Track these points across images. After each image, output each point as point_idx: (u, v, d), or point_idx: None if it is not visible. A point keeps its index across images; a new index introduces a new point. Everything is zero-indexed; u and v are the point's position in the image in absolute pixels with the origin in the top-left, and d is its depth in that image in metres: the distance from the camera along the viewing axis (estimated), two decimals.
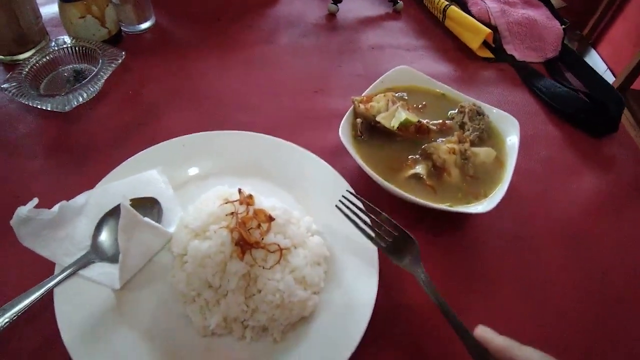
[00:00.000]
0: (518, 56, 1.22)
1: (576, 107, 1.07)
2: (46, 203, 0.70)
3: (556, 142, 1.03)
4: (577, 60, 1.24)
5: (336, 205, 0.73)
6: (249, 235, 0.65)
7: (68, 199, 0.75)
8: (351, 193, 0.74)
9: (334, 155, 0.86)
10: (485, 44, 1.21)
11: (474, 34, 1.19)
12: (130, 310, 0.67)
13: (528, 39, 1.25)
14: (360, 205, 0.72)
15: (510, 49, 1.23)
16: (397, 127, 0.81)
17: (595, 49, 2.95)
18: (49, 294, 0.65)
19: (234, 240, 0.65)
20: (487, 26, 1.20)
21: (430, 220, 0.82)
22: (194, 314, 0.65)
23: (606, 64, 2.84)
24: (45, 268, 0.69)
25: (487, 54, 1.21)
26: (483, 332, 0.56)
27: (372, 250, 0.72)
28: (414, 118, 0.82)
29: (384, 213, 0.70)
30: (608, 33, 2.88)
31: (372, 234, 0.69)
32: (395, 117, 0.81)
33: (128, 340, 0.64)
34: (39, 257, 0.69)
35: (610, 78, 2.70)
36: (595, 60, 2.90)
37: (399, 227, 0.68)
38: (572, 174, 0.97)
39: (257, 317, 0.65)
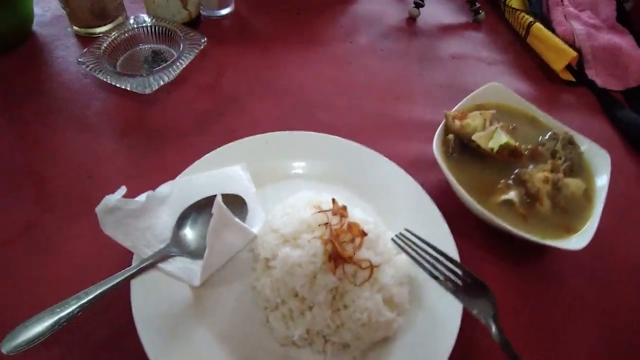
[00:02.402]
0: (599, 82, 1.17)
1: None
2: (119, 185, 0.67)
3: (634, 177, 0.99)
4: None
5: (393, 239, 0.65)
6: (343, 249, 0.62)
7: (143, 183, 0.73)
8: (414, 234, 0.65)
9: (414, 167, 0.83)
10: (567, 66, 1.17)
11: (558, 55, 1.15)
12: (207, 308, 0.66)
13: (611, 66, 1.20)
14: (423, 245, 0.64)
15: (592, 74, 1.18)
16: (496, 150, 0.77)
17: None
18: (126, 285, 0.63)
19: (327, 253, 0.62)
20: (570, 48, 1.15)
21: (508, 247, 0.79)
22: (277, 322, 0.63)
23: None
24: (122, 255, 0.68)
25: (569, 76, 1.17)
26: None
27: None
28: (512, 142, 0.78)
29: (452, 258, 0.62)
30: None
31: (440, 276, 0.61)
32: (494, 138, 0.77)
33: (204, 338, 0.63)
34: (114, 243, 0.67)
35: None
36: None
37: (472, 274, 0.59)
38: None
39: (341, 333, 0.62)
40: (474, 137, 0.79)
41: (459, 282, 0.57)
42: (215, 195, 0.64)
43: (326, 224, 0.64)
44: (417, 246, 0.61)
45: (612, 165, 0.84)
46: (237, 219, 0.67)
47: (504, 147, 0.77)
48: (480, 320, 0.58)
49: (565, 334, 0.72)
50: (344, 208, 0.66)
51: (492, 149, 0.78)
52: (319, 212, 0.66)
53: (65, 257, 0.72)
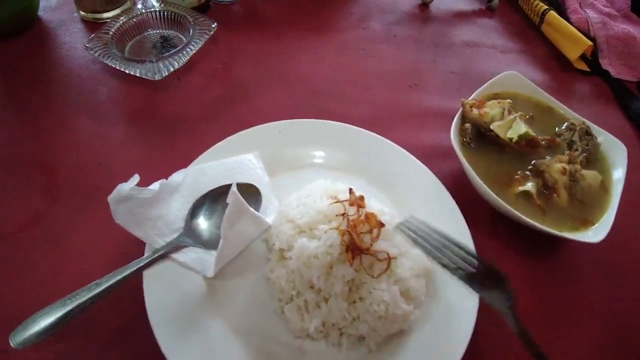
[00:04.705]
0: (613, 72, 1.15)
1: None
2: (130, 173, 0.66)
3: None
4: None
5: (397, 226, 0.60)
6: (361, 240, 0.61)
7: (154, 171, 0.72)
8: (420, 221, 0.60)
9: (428, 157, 0.82)
10: (582, 55, 1.15)
11: (573, 44, 1.13)
12: (221, 300, 0.65)
13: (625, 56, 1.18)
14: (430, 232, 0.58)
15: (605, 64, 1.16)
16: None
17: None
18: (138, 276, 0.62)
19: (344, 244, 0.61)
20: (585, 37, 1.13)
21: (523, 239, 0.78)
22: (292, 313, 0.62)
23: None
24: (134, 245, 0.66)
25: (583, 66, 1.15)
26: None
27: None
28: (531, 132, 0.77)
29: (460, 243, 0.57)
30: None
31: (450, 264, 0.55)
32: (513, 128, 0.76)
33: (217, 330, 0.62)
34: (126, 233, 0.66)
35: None
36: None
37: (485, 262, 0.54)
38: None
39: (357, 325, 0.62)
40: (492, 127, 0.77)
41: (472, 269, 0.53)
42: (229, 185, 0.63)
43: (343, 214, 0.63)
44: (424, 232, 0.57)
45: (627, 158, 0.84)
46: (252, 209, 0.65)
47: (522, 137, 0.76)
48: (497, 310, 0.54)
49: (578, 327, 0.72)
50: (362, 198, 0.65)
51: (511, 139, 0.76)
52: (336, 202, 0.65)
53: (75, 248, 0.71)
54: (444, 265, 0.55)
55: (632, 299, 0.76)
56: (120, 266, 0.62)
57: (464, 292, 0.65)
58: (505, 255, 0.77)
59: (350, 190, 0.66)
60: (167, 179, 0.69)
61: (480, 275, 0.54)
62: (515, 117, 0.77)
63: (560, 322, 0.72)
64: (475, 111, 0.79)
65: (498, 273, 0.54)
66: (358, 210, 0.64)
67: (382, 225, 0.63)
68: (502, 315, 0.53)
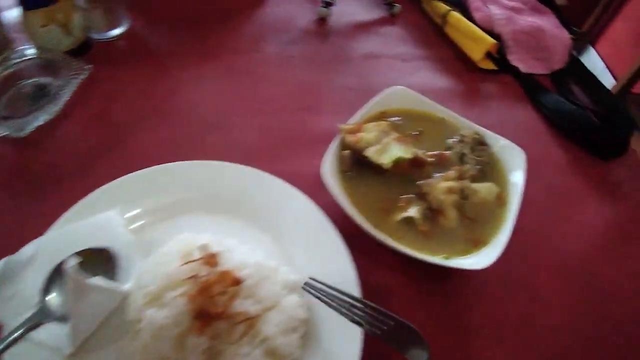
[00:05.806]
0: (523, 68, 1.12)
1: (582, 127, 0.98)
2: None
3: (560, 166, 0.95)
4: (585, 73, 1.15)
5: (303, 287, 0.60)
6: (212, 304, 0.56)
7: (23, 236, 0.67)
8: (321, 282, 0.60)
9: (321, 187, 0.76)
10: (488, 54, 1.11)
11: (476, 44, 1.09)
12: None
13: (534, 50, 1.15)
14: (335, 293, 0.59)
15: (514, 60, 1.12)
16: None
17: (593, 47, 2.83)
18: None
19: (194, 311, 0.56)
20: (490, 34, 1.10)
21: (417, 265, 0.73)
22: None
23: (605, 63, 2.72)
24: None
25: (490, 65, 1.11)
26: None
27: None
28: (407, 153, 0.72)
29: (369, 302, 0.57)
30: (607, 32, 2.75)
31: (362, 322, 0.56)
32: (386, 152, 0.71)
33: None
34: None
35: (608, 77, 2.59)
36: (594, 59, 2.77)
37: (394, 316, 0.55)
38: (578, 202, 0.89)
39: None
40: (366, 153, 0.73)
41: (383, 326, 0.54)
42: (85, 250, 0.58)
43: (192, 277, 0.58)
44: (329, 293, 0.57)
45: (537, 156, 0.81)
46: (97, 280, 0.60)
47: (396, 162, 0.71)
48: None
49: (487, 348, 0.69)
50: (215, 255, 0.60)
51: (386, 164, 0.72)
52: (187, 263, 0.60)
53: None
54: (357, 323, 0.55)
55: (541, 308, 0.74)
56: None
57: (345, 339, 0.61)
58: (396, 284, 0.73)
59: (205, 247, 0.61)
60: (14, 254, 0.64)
61: (395, 332, 0.54)
62: (389, 139, 0.73)
63: (467, 345, 0.69)
64: (352, 137, 0.75)
65: (411, 328, 0.54)
66: (212, 269, 0.59)
67: (239, 282, 0.58)
68: None
